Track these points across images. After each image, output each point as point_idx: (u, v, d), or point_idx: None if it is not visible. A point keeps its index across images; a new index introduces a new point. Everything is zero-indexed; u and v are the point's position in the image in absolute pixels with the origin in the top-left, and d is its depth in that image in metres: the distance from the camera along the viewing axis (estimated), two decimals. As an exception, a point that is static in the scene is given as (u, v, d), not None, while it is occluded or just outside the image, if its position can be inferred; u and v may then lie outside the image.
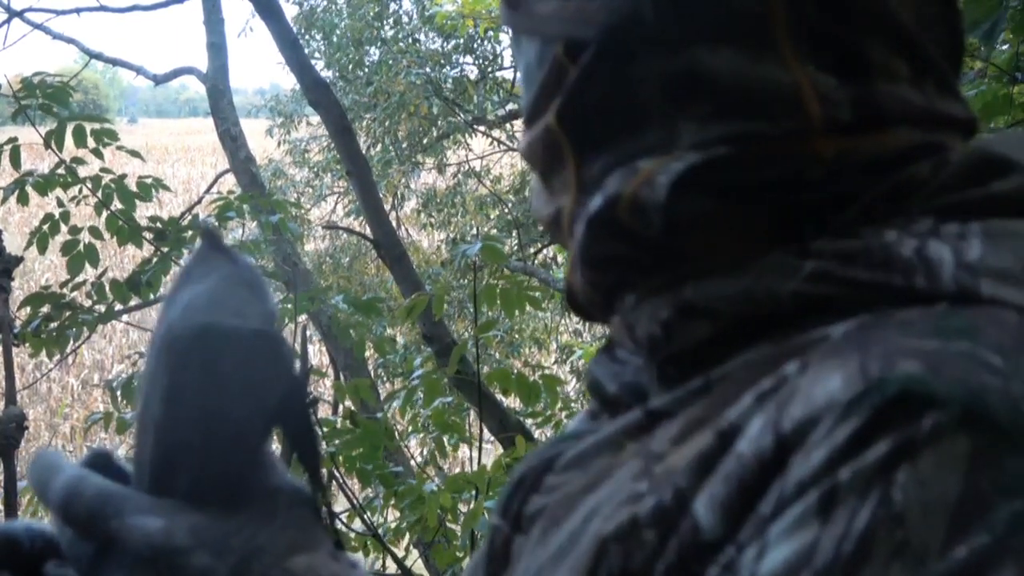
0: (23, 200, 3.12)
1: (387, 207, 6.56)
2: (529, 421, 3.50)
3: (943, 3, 0.51)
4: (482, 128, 7.81)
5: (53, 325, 3.06)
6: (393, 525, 2.92)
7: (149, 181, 3.24)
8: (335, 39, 8.30)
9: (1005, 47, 2.63)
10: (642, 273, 0.51)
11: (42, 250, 3.18)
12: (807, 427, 0.39)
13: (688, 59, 0.48)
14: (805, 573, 0.36)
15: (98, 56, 6.46)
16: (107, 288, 3.17)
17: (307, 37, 8.25)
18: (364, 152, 5.65)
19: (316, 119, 7.09)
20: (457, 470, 4.72)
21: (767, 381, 0.43)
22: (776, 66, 0.47)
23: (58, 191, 3.15)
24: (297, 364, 0.53)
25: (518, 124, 7.00)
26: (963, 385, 0.37)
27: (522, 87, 0.57)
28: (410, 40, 8.17)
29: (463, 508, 2.76)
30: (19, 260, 2.54)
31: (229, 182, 5.97)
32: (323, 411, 3.63)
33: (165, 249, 3.17)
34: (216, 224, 3.21)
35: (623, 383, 0.53)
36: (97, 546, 0.52)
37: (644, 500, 0.44)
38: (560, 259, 6.34)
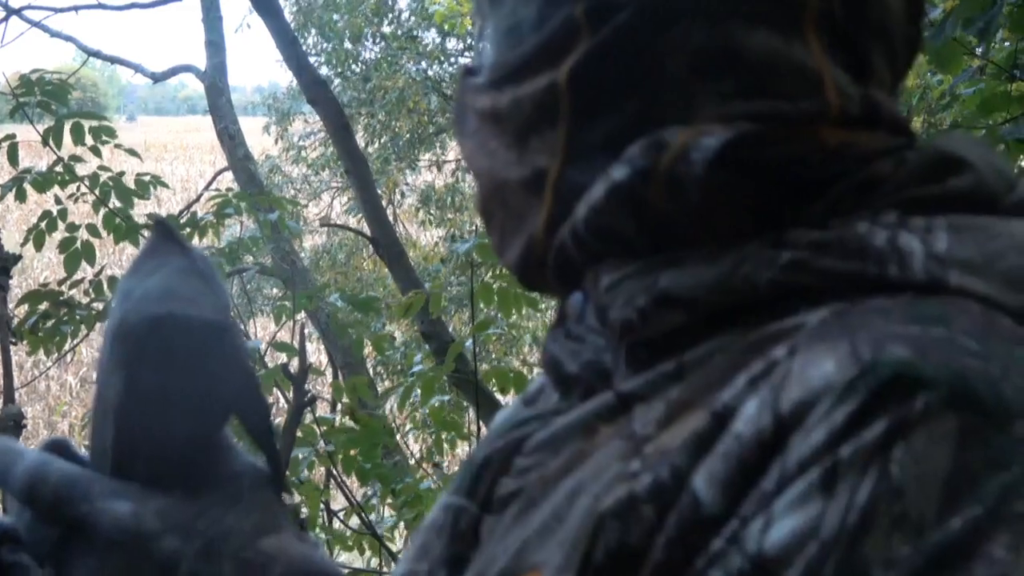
0: (21, 197, 3.12)
1: (384, 204, 6.55)
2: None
3: (916, 23, 0.54)
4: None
5: (51, 323, 3.06)
6: (391, 524, 2.92)
7: (147, 179, 3.24)
8: (331, 35, 8.30)
9: (1005, 44, 2.64)
10: (627, 254, 0.51)
11: (38, 247, 3.18)
12: (805, 408, 0.41)
13: (724, 34, 0.49)
14: (812, 544, 0.38)
15: (96, 54, 6.46)
16: (105, 286, 3.17)
17: (304, 34, 8.25)
18: (361, 149, 5.64)
19: (313, 116, 7.09)
20: (456, 469, 4.72)
21: (757, 365, 0.44)
22: (804, 52, 0.50)
23: (56, 189, 3.15)
24: (249, 353, 0.54)
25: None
26: (948, 368, 0.39)
27: (493, 44, 0.56)
28: (409, 36, 8.17)
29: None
30: (17, 258, 2.54)
31: (227, 180, 5.97)
32: (321, 409, 3.63)
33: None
34: (214, 220, 3.21)
35: (584, 362, 0.53)
36: (62, 530, 0.53)
37: (640, 478, 0.45)
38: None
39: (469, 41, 7.86)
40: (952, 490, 0.37)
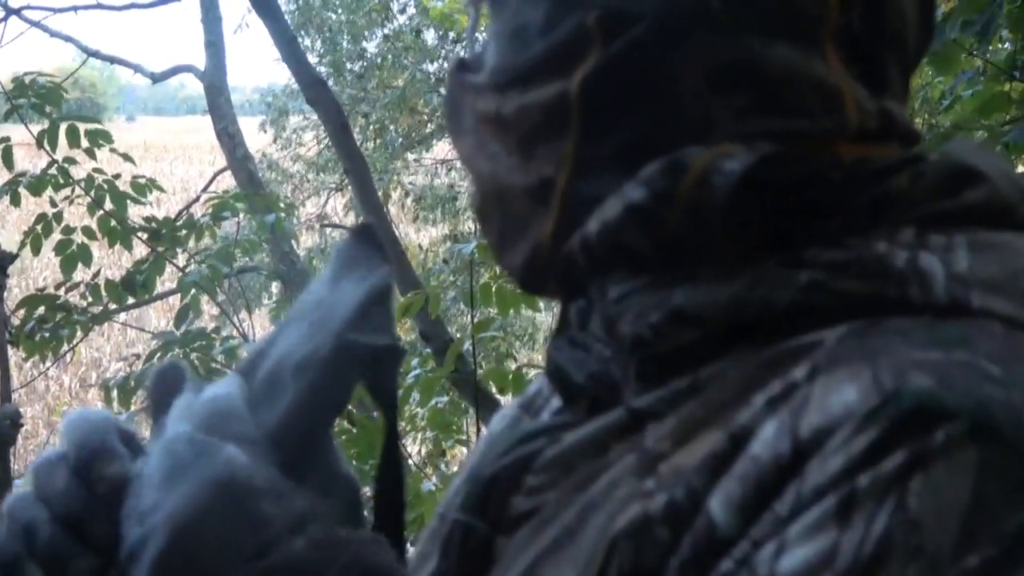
0: (15, 201, 3.11)
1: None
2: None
3: (928, 30, 0.54)
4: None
5: (48, 326, 3.05)
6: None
7: (143, 181, 3.23)
8: (328, 34, 8.30)
9: (1006, 46, 2.63)
10: (637, 267, 0.50)
11: (36, 251, 3.18)
12: (824, 435, 0.40)
13: (742, 48, 0.48)
14: (826, 574, 0.38)
15: (95, 54, 6.45)
16: (102, 288, 3.17)
17: (303, 34, 8.24)
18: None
19: (312, 115, 7.08)
20: (455, 469, 4.72)
21: (776, 385, 0.44)
22: (823, 67, 0.49)
23: (50, 191, 3.15)
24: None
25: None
26: (971, 398, 0.39)
27: (495, 44, 0.55)
28: (413, 34, 8.17)
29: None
30: (14, 256, 2.54)
31: (227, 179, 5.96)
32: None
33: (160, 249, 3.17)
34: (210, 223, 3.20)
35: (590, 373, 0.52)
36: None
37: (655, 497, 0.44)
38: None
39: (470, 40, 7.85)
40: (970, 525, 0.37)
